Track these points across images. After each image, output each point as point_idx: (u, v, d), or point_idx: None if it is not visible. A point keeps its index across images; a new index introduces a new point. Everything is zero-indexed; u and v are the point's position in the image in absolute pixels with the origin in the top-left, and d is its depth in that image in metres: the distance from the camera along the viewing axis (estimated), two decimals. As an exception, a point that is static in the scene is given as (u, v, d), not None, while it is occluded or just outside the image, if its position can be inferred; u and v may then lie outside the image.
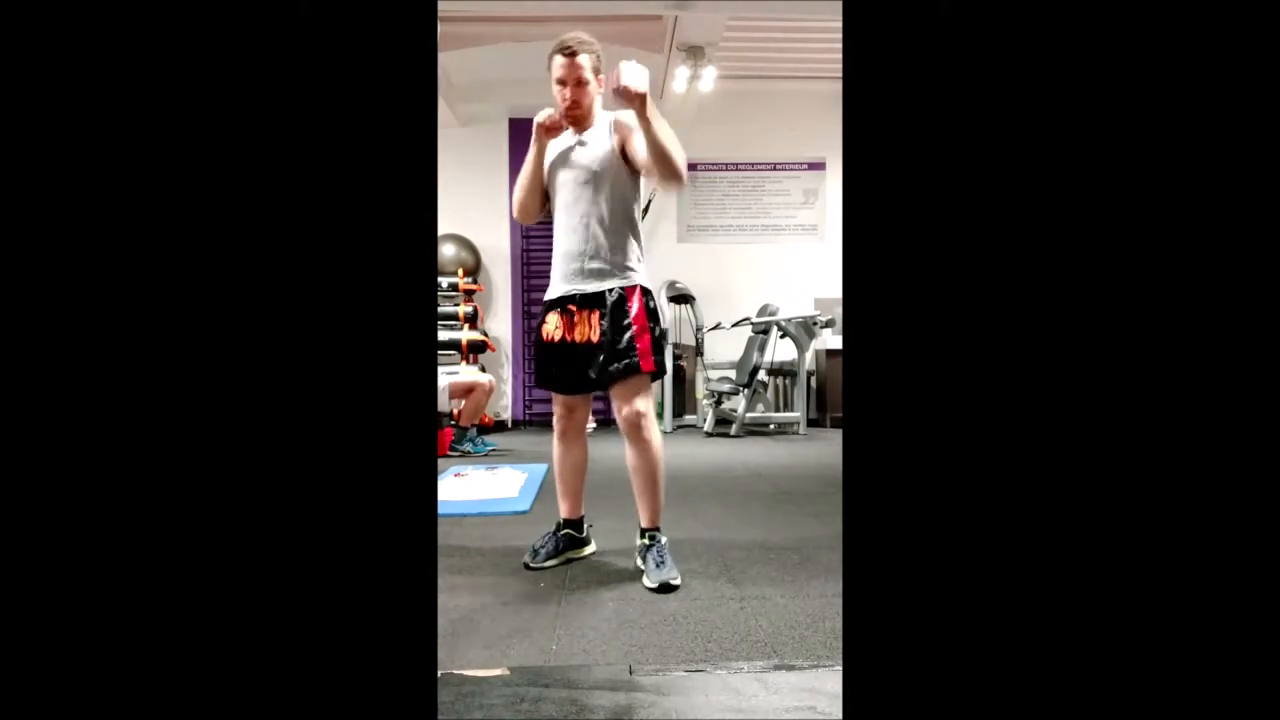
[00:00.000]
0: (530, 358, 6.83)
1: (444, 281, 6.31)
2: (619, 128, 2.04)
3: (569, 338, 2.12)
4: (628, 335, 2.07)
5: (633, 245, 2.13)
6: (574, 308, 2.12)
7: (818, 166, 6.96)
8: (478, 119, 6.71)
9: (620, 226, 2.10)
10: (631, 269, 2.12)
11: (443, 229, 6.35)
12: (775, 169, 6.94)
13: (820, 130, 6.69)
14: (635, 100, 1.84)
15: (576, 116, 2.08)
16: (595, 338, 2.08)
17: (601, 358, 2.07)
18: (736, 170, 6.87)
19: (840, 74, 0.89)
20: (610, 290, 2.09)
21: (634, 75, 1.83)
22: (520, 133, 6.71)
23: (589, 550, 2.33)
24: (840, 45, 0.90)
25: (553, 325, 2.15)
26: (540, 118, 2.04)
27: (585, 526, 2.34)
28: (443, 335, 6.13)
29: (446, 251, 6.46)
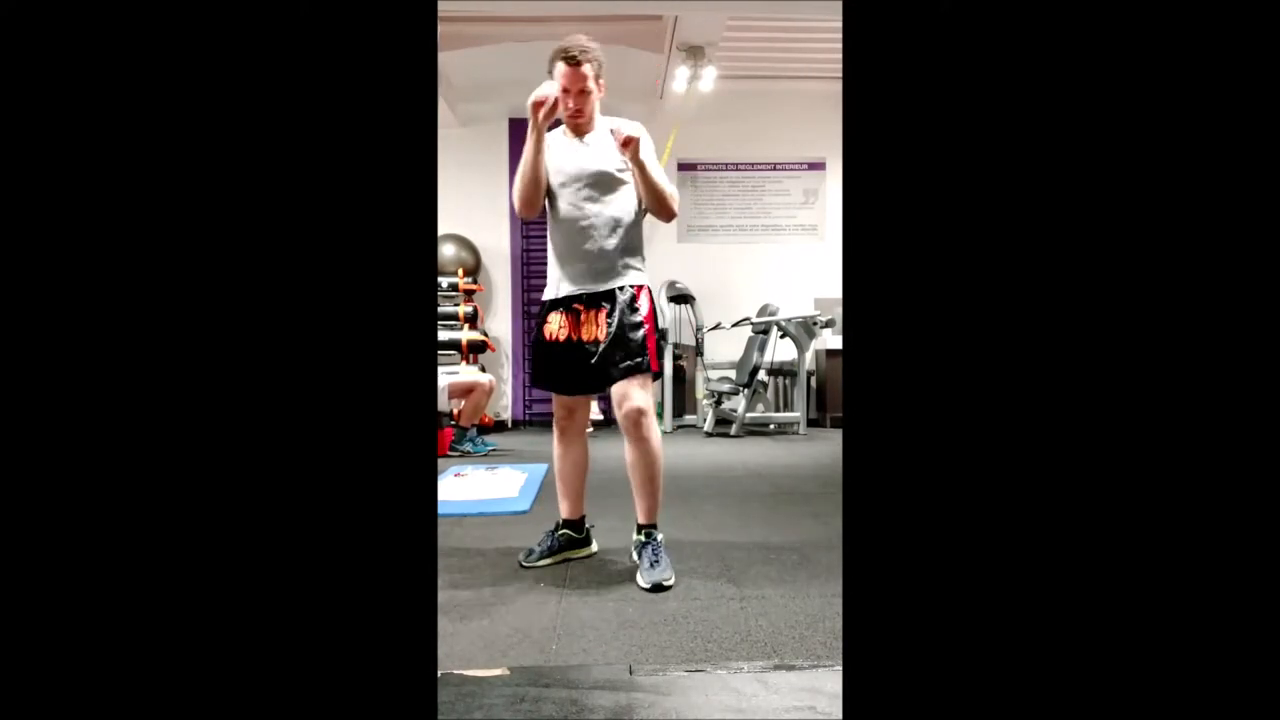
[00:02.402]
0: (529, 358, 6.85)
1: (444, 281, 6.30)
2: (616, 136, 2.05)
3: (575, 336, 2.12)
4: (640, 333, 2.09)
5: (638, 245, 2.17)
6: (580, 307, 2.12)
7: (818, 166, 6.95)
8: (478, 119, 6.71)
9: (626, 227, 2.12)
10: (638, 268, 2.15)
11: (443, 229, 6.35)
12: (775, 169, 6.94)
13: (820, 130, 6.68)
14: (632, 148, 2.00)
15: (579, 124, 2.11)
16: (602, 336, 2.09)
17: (613, 355, 2.07)
18: (736, 170, 6.86)
19: (840, 74, 0.89)
20: (621, 288, 2.10)
21: (629, 127, 2.02)
22: (520, 133, 6.69)
23: (589, 550, 2.33)
24: (840, 45, 0.90)
25: (556, 325, 2.15)
26: (537, 95, 1.99)
27: (585, 527, 2.34)
28: (443, 335, 6.12)
29: (446, 251, 6.46)
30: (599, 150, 2.10)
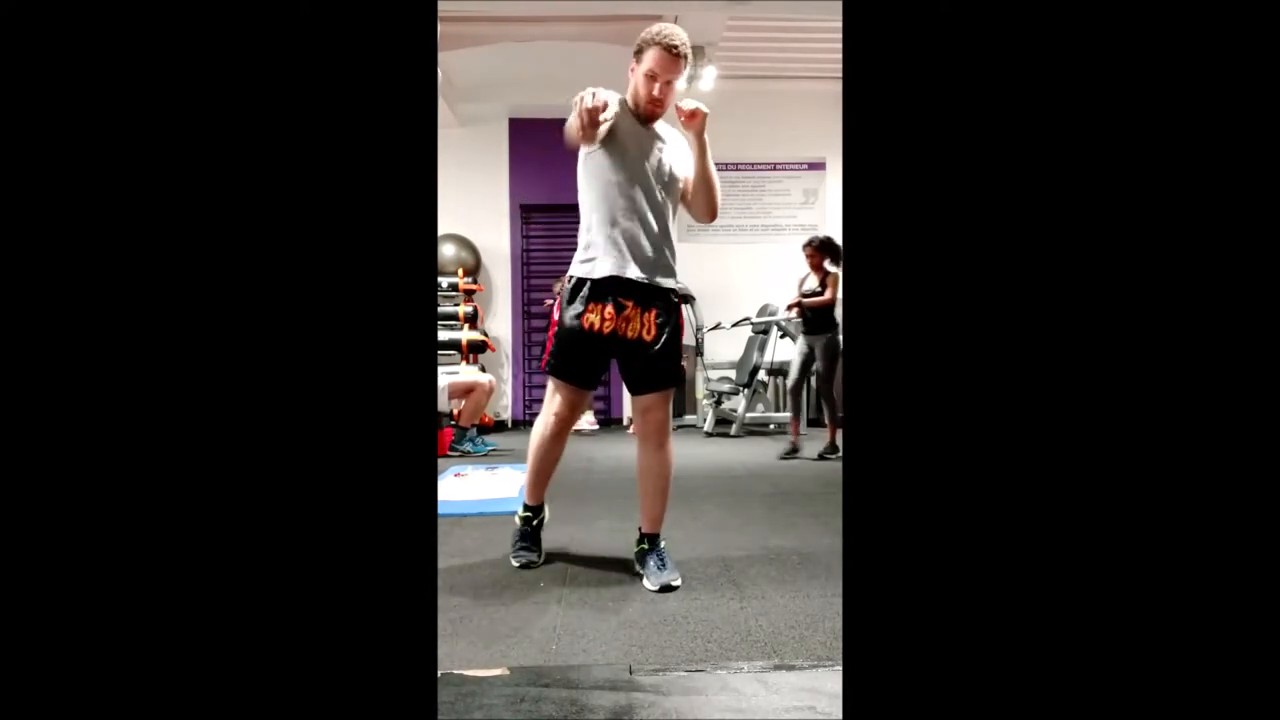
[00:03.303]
0: (529, 358, 6.85)
1: (444, 281, 6.30)
2: (681, 111, 1.96)
3: (621, 331, 2.00)
4: (677, 343, 2.08)
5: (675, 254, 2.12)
6: (629, 302, 2.00)
7: (818, 166, 6.96)
8: (478, 119, 6.71)
9: (671, 233, 2.09)
10: (675, 275, 2.11)
11: (443, 229, 6.34)
12: (775, 169, 6.94)
13: (820, 130, 6.69)
14: (699, 121, 1.93)
15: (655, 113, 2.03)
16: (649, 336, 2.02)
17: (659, 363, 2.04)
18: (736, 170, 6.86)
19: (840, 74, 0.89)
20: (674, 291, 2.07)
21: (694, 102, 1.94)
22: (520, 133, 6.71)
23: (547, 514, 2.33)
24: (840, 45, 0.90)
25: (598, 316, 1.99)
26: (592, 102, 1.78)
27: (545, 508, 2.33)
28: (443, 335, 6.12)
29: (446, 251, 6.46)
30: (677, 152, 2.07)
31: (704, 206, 2.06)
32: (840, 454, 4.47)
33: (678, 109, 1.94)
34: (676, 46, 1.96)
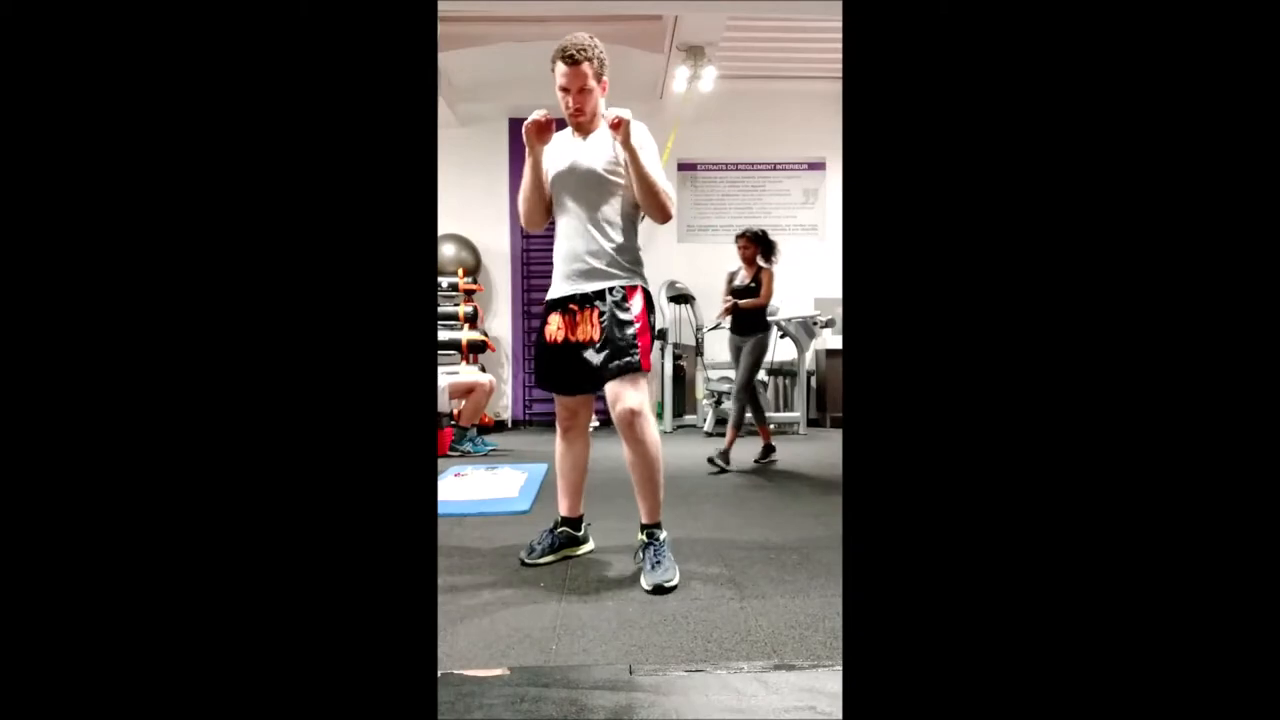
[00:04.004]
0: (530, 357, 6.86)
1: (444, 281, 6.31)
2: (608, 120, 2.04)
3: (571, 337, 2.13)
4: (630, 332, 2.08)
5: (633, 245, 2.16)
6: (575, 307, 2.13)
7: (818, 166, 6.96)
8: (478, 119, 6.71)
9: (622, 227, 2.13)
10: (631, 269, 2.14)
11: (443, 229, 6.35)
12: (775, 169, 6.94)
13: (820, 130, 6.69)
14: (622, 131, 1.96)
15: (580, 123, 2.11)
16: (596, 335, 2.09)
17: (603, 354, 2.08)
18: (736, 170, 6.87)
19: (840, 74, 0.89)
20: (612, 289, 2.10)
21: (617, 112, 1.97)
22: (520, 133, 6.71)
23: (586, 549, 2.34)
24: (840, 45, 0.90)
25: (555, 326, 2.16)
26: (530, 120, 2.04)
27: (584, 525, 2.35)
28: (443, 335, 6.13)
29: (446, 251, 6.46)
30: (596, 148, 2.11)
31: (650, 211, 2.10)
32: (772, 458, 4.33)
33: (605, 119, 2.01)
34: (571, 54, 2.01)
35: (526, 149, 2.09)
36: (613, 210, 2.11)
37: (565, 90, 2.05)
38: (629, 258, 2.14)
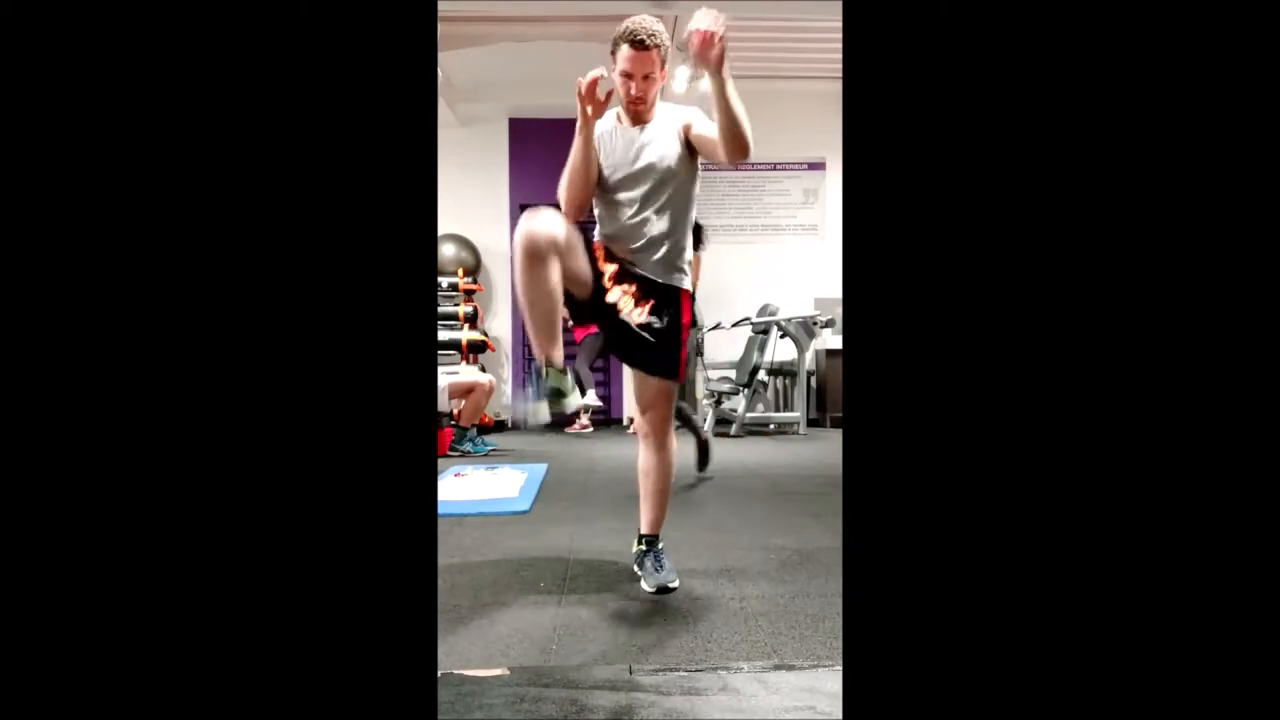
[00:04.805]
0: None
1: (444, 281, 6.30)
2: (694, 37, 1.70)
3: (619, 308, 1.92)
4: (676, 339, 1.98)
5: (687, 246, 2.03)
6: (632, 284, 1.94)
7: (818, 166, 6.95)
8: (478, 119, 6.70)
9: (681, 227, 1.99)
10: (686, 273, 2.03)
11: (443, 229, 6.34)
12: (775, 169, 6.94)
13: (820, 130, 6.68)
14: (717, 51, 1.62)
15: (639, 111, 1.94)
16: (637, 321, 1.92)
17: (653, 347, 1.93)
18: (736, 170, 6.86)
19: (840, 74, 0.89)
20: (671, 289, 1.98)
21: (709, 19, 1.60)
22: (520, 133, 6.71)
23: (577, 398, 2.05)
24: (840, 45, 0.90)
25: (620, 291, 1.93)
26: (588, 78, 1.77)
27: (571, 376, 2.05)
28: (443, 335, 6.12)
29: (446, 251, 6.46)
30: (660, 140, 1.93)
31: (733, 144, 1.79)
32: (706, 470, 3.78)
33: (691, 38, 1.62)
34: (642, 38, 1.84)
35: (579, 121, 1.83)
36: (677, 208, 1.96)
37: (628, 76, 1.87)
38: (685, 260, 2.02)
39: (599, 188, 1.96)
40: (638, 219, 1.95)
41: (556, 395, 1.98)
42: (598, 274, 1.93)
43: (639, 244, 1.96)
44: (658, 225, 1.96)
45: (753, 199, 6.95)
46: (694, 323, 2.05)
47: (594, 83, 1.78)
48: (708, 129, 1.86)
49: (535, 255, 1.81)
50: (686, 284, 2.02)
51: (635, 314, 1.93)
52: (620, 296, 1.93)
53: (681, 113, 1.96)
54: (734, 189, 6.91)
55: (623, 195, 1.95)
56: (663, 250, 1.97)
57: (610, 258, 1.97)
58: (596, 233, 2.03)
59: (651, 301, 1.96)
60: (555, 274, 1.84)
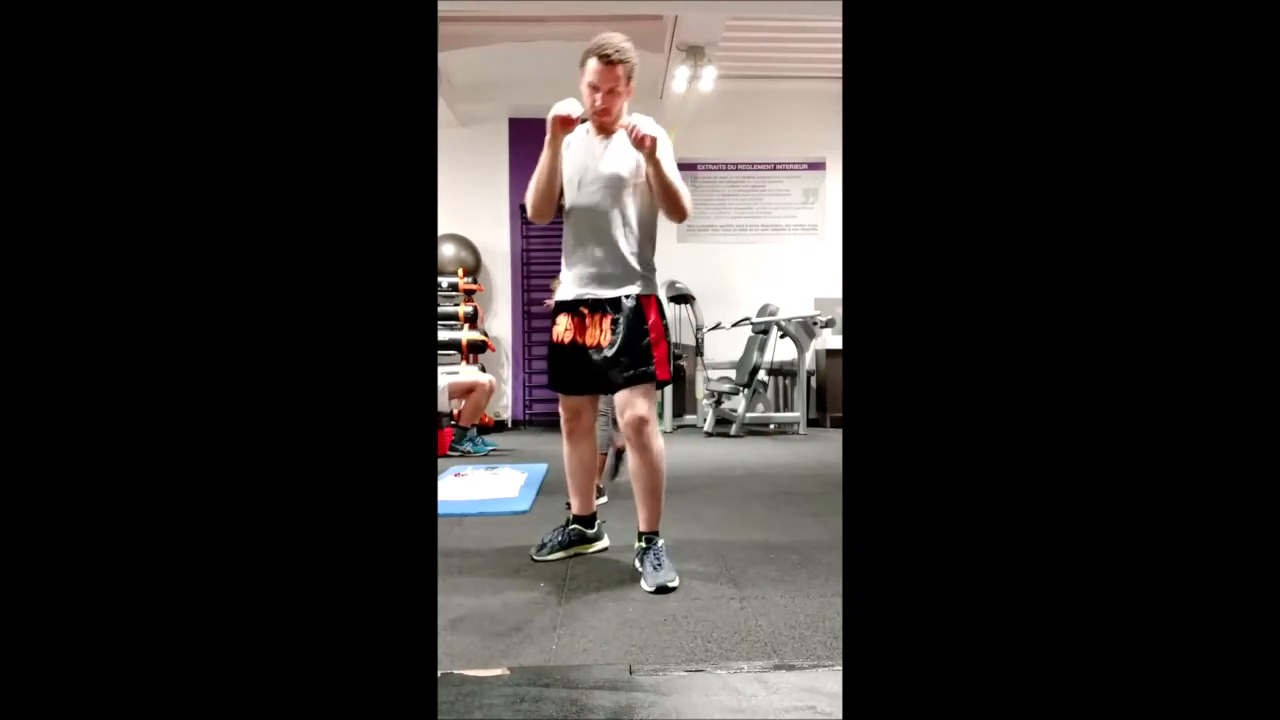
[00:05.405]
0: (529, 358, 6.86)
1: (444, 281, 6.30)
2: (631, 133, 2.00)
3: (579, 340, 2.12)
4: (644, 342, 2.08)
5: (650, 253, 2.16)
6: (585, 310, 2.12)
7: (818, 166, 6.95)
8: (478, 119, 6.70)
9: (641, 233, 2.12)
10: (648, 277, 2.14)
11: (443, 229, 6.34)
12: (775, 169, 6.94)
13: (820, 130, 6.68)
14: (648, 146, 1.95)
15: (604, 123, 2.09)
16: (605, 341, 2.08)
17: (618, 362, 2.06)
18: (736, 170, 6.86)
19: (840, 74, 0.89)
20: (627, 296, 2.09)
21: (648, 125, 1.96)
22: (519, 133, 6.71)
23: (600, 545, 2.35)
24: (840, 45, 0.90)
25: (563, 327, 2.15)
26: (559, 110, 2.00)
27: (596, 522, 2.36)
28: (443, 335, 6.12)
29: (446, 251, 6.46)
30: (618, 151, 2.08)
31: (670, 213, 2.09)
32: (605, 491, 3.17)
33: (626, 129, 1.98)
34: (609, 54, 1.99)
35: (547, 137, 2.04)
36: (632, 215, 2.10)
37: (594, 88, 2.03)
38: (645, 265, 2.13)
39: (563, 196, 2.14)
40: (592, 224, 2.10)
41: (582, 541, 2.33)
42: (563, 349, 2.16)
43: (600, 252, 2.09)
44: (611, 232, 2.09)
45: (753, 199, 6.95)
46: (663, 315, 2.16)
47: (567, 118, 2.00)
48: (664, 160, 2.04)
49: (574, 432, 2.24)
50: (649, 290, 2.13)
51: (601, 337, 2.09)
52: (586, 331, 2.11)
53: (640, 124, 2.02)
54: (734, 189, 6.91)
55: (583, 201, 2.10)
56: (616, 258, 2.09)
57: (560, 309, 2.18)
58: (556, 280, 2.24)
59: (609, 315, 2.10)
60: (591, 449, 2.30)
